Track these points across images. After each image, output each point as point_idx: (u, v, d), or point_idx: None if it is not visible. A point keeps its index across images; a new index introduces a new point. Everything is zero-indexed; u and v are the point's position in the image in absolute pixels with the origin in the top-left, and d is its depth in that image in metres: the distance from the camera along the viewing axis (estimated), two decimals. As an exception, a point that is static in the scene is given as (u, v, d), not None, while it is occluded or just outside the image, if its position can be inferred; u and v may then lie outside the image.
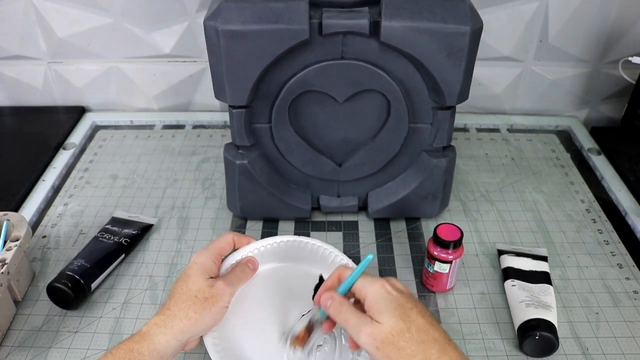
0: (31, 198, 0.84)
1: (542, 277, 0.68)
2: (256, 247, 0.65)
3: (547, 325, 0.61)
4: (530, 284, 0.67)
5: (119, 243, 0.73)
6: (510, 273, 0.69)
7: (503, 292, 0.69)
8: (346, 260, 0.65)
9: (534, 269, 0.70)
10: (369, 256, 0.54)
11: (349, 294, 0.54)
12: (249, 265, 0.63)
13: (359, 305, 0.53)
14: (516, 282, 0.68)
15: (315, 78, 0.67)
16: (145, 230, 0.77)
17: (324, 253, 0.66)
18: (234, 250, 0.64)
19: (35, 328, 0.65)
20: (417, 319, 0.49)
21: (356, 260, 0.73)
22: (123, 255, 0.73)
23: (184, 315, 0.55)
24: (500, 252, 0.73)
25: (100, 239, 0.74)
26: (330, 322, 0.55)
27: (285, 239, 0.66)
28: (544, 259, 0.71)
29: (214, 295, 0.57)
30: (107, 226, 0.77)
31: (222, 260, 0.63)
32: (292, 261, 0.67)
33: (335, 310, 0.52)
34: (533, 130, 1.01)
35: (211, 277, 0.58)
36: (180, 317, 0.54)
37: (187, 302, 0.55)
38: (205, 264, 0.59)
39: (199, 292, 0.56)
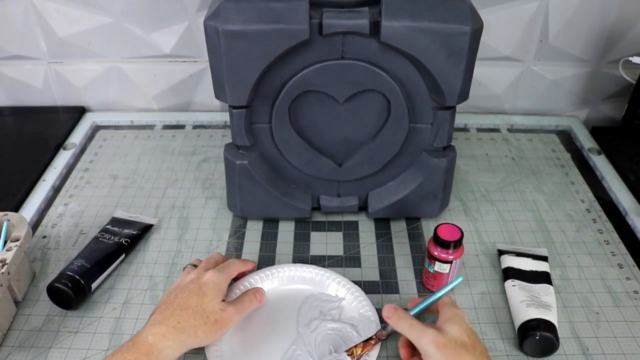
0: (31, 198, 0.84)
1: (542, 277, 0.68)
2: (265, 274, 0.69)
3: (548, 325, 0.61)
4: (530, 284, 0.67)
5: (119, 243, 0.73)
6: (510, 273, 0.69)
7: (503, 292, 0.69)
8: (354, 289, 0.67)
9: (534, 269, 0.70)
10: (460, 278, 0.62)
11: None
12: (256, 296, 0.65)
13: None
14: (516, 282, 0.68)
15: (316, 78, 0.67)
16: (145, 230, 0.77)
17: (330, 283, 0.68)
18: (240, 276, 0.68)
19: (36, 328, 0.65)
20: (480, 346, 0.54)
21: (354, 259, 0.73)
22: (123, 255, 0.73)
23: (192, 333, 0.56)
24: (501, 252, 0.73)
25: (100, 239, 0.74)
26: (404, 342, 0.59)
27: (298, 273, 0.69)
28: (544, 259, 0.71)
29: (224, 320, 0.59)
30: (108, 226, 0.77)
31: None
32: (299, 284, 0.69)
33: (396, 320, 0.57)
34: (533, 130, 1.01)
35: (222, 300, 0.61)
36: (189, 334, 0.56)
37: (199, 320, 0.57)
38: (221, 286, 0.61)
39: (212, 313, 0.58)
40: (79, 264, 0.68)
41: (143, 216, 0.80)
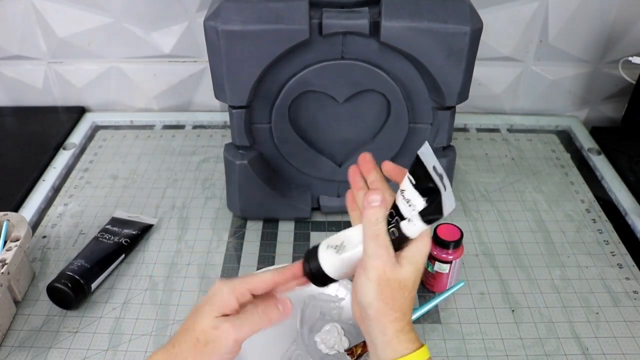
0: (31, 198, 0.84)
1: None
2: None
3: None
4: None
5: (119, 243, 0.73)
6: None
7: (503, 292, 0.69)
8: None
9: None
10: (461, 283, 0.62)
11: None
12: (278, 307, 0.49)
13: None
14: None
15: (315, 78, 0.67)
16: (145, 230, 0.77)
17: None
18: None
19: (35, 328, 0.65)
20: (413, 290, 0.48)
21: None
22: (123, 255, 0.73)
23: (183, 359, 0.46)
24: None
25: (100, 239, 0.74)
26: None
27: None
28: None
29: (215, 340, 0.46)
30: (107, 226, 0.77)
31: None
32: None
33: (374, 216, 0.46)
34: (533, 130, 1.01)
35: (223, 315, 0.47)
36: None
37: (188, 343, 0.46)
38: (224, 298, 0.47)
39: (201, 333, 0.46)
40: (79, 264, 0.68)
41: (143, 216, 0.80)
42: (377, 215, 0.46)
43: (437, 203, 0.43)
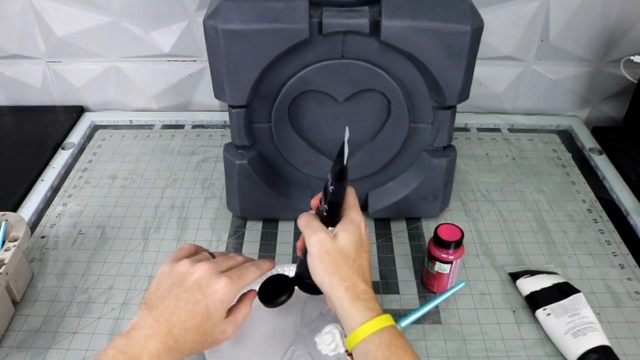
0: (30, 198, 0.84)
1: (566, 288, 0.66)
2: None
3: (604, 351, 0.59)
4: (561, 302, 0.64)
5: None
6: (538, 299, 0.66)
7: (504, 292, 0.69)
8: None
9: (554, 282, 0.67)
10: (462, 283, 0.63)
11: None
12: (249, 302, 0.57)
13: None
14: (548, 308, 0.64)
15: (315, 77, 0.66)
16: None
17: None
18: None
19: (34, 329, 0.65)
20: (363, 259, 0.54)
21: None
22: None
23: (188, 352, 0.51)
24: (514, 276, 0.70)
25: None
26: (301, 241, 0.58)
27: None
28: (554, 273, 0.70)
29: (221, 341, 0.54)
30: None
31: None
32: None
33: (299, 218, 0.55)
34: (534, 129, 1.01)
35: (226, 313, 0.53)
36: (184, 353, 0.51)
37: (198, 344, 0.51)
38: (230, 300, 0.53)
39: (211, 336, 0.52)
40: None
41: None
42: (306, 215, 0.56)
43: (341, 162, 0.52)
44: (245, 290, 0.57)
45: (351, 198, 0.57)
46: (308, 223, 0.54)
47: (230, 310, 0.54)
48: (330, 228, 0.55)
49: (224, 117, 1.02)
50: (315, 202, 0.59)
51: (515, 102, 1.03)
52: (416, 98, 0.69)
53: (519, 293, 0.68)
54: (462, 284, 0.63)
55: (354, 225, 0.54)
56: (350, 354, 0.59)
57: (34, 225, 0.80)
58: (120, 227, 0.79)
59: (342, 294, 0.51)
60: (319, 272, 0.52)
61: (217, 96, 0.69)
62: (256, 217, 0.80)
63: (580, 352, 0.59)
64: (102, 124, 1.03)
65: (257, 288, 0.60)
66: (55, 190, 0.87)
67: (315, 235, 0.53)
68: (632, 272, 0.72)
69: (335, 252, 0.52)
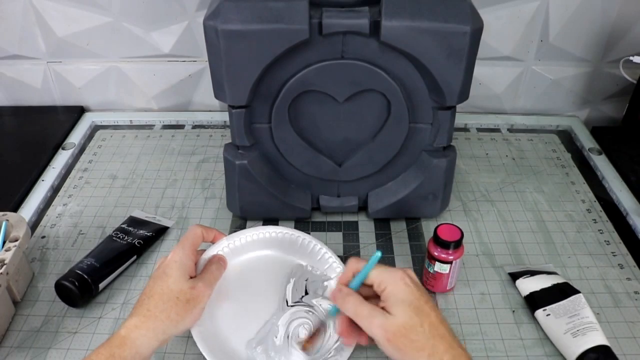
0: (30, 198, 0.84)
1: (565, 288, 0.66)
2: (231, 242, 0.67)
3: (605, 351, 0.59)
4: (561, 302, 0.65)
5: (132, 244, 0.73)
6: (537, 300, 0.66)
7: (504, 292, 0.69)
8: (325, 250, 0.68)
9: (554, 282, 0.67)
10: (378, 254, 0.54)
11: (367, 286, 0.55)
12: (220, 264, 0.64)
13: (376, 299, 0.54)
14: (548, 309, 0.64)
15: (315, 78, 0.67)
16: (160, 232, 0.77)
17: (310, 246, 0.68)
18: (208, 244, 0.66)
19: (35, 329, 0.65)
20: (429, 314, 0.51)
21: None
22: (135, 257, 0.72)
23: (165, 317, 0.54)
24: (513, 276, 0.70)
25: (114, 238, 0.73)
26: (344, 323, 0.55)
27: (260, 232, 0.69)
28: (554, 273, 0.70)
29: (195, 298, 0.57)
30: (123, 225, 0.76)
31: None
32: (277, 250, 0.69)
33: (342, 302, 0.54)
34: (534, 130, 1.01)
35: (190, 277, 0.59)
36: (162, 319, 0.54)
37: (169, 303, 0.55)
38: (184, 263, 0.59)
39: (180, 293, 0.56)
40: (89, 263, 0.68)
41: (160, 217, 0.79)
42: (349, 299, 0.54)
43: None
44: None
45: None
46: (357, 313, 0.53)
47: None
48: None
49: (224, 117, 1.02)
50: (345, 278, 0.57)
51: (514, 102, 1.03)
52: (416, 98, 0.69)
53: (519, 293, 0.69)
54: (379, 254, 0.54)
55: (401, 292, 0.52)
56: (305, 349, 0.58)
57: (34, 225, 0.80)
58: (121, 227, 0.79)
59: None
60: (394, 354, 0.51)
61: (217, 96, 0.69)
62: (256, 217, 0.80)
63: (580, 352, 0.59)
64: (103, 124, 1.03)
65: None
66: (55, 190, 0.87)
67: (372, 324, 0.51)
68: (631, 272, 0.72)
69: (400, 330, 0.50)
